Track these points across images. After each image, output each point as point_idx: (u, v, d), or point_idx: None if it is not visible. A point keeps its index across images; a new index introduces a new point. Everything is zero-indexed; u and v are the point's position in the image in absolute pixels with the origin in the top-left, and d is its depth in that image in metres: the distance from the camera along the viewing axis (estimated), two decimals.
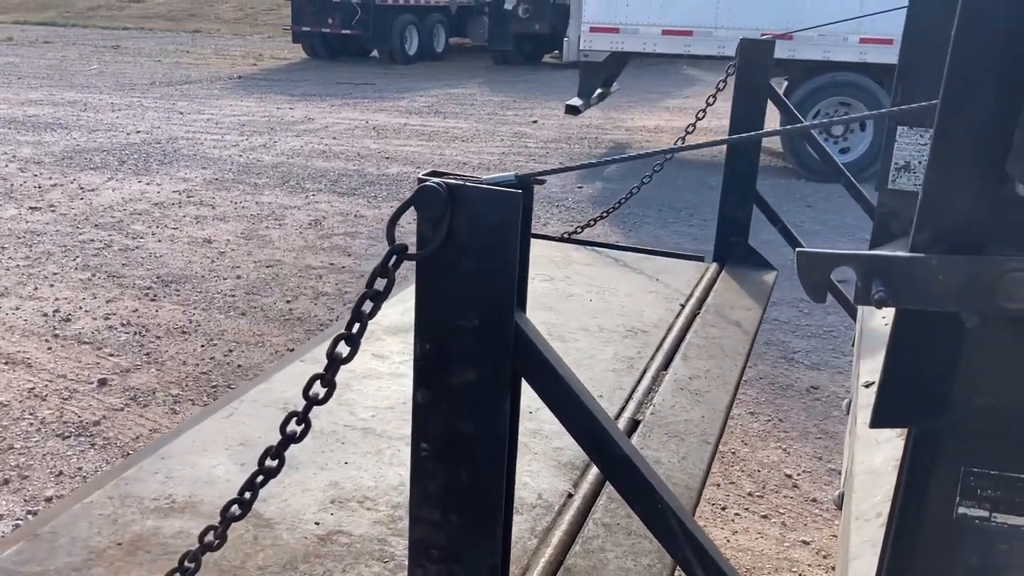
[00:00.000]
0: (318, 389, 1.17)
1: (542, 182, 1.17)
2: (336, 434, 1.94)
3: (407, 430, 1.98)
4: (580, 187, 8.80)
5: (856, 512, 1.69)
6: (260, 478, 1.24)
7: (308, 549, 1.56)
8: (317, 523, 1.63)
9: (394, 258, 1.09)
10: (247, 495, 1.25)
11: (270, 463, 1.23)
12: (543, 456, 1.89)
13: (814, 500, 3.58)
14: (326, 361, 1.15)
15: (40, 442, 3.77)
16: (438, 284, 1.10)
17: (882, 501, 1.65)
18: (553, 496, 1.75)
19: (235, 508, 1.26)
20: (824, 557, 3.23)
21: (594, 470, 1.82)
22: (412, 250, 1.10)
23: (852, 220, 7.42)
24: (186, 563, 1.28)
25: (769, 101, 3.21)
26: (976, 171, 0.88)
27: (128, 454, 3.64)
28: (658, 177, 3.64)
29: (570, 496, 1.76)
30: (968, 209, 0.89)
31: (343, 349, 1.14)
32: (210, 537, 1.28)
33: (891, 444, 1.83)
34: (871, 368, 2.21)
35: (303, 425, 1.20)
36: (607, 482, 1.74)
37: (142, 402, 4.16)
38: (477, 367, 1.12)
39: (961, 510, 0.98)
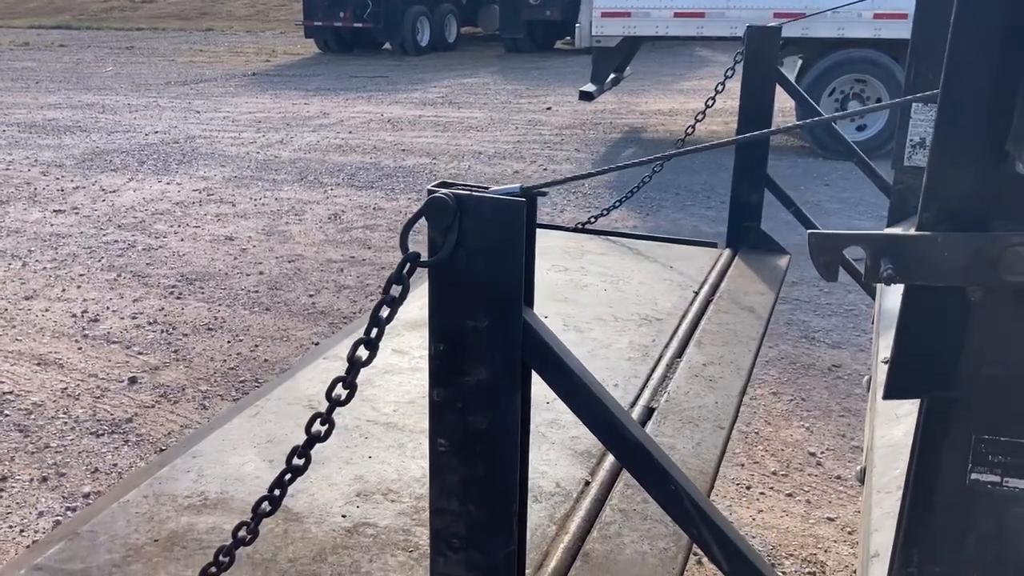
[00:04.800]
0: (340, 391, 1.24)
1: (544, 194, 1.23)
2: (360, 429, 1.99)
3: (428, 423, 2.05)
4: None
5: (877, 485, 1.72)
6: (288, 476, 1.30)
7: (336, 541, 1.61)
8: (344, 516, 1.69)
9: (408, 265, 1.16)
10: (276, 492, 1.31)
11: (297, 461, 1.29)
12: (560, 445, 1.93)
13: (838, 477, 3.61)
14: (347, 364, 1.22)
15: (75, 440, 3.86)
16: (449, 288, 1.16)
17: (902, 474, 1.67)
18: (571, 484, 1.79)
19: (266, 505, 1.32)
20: (849, 533, 3.26)
21: (610, 458, 1.85)
22: (425, 257, 1.16)
23: (871, 198, 7.40)
24: (220, 557, 1.34)
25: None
26: (978, 150, 0.91)
27: (162, 450, 3.73)
28: (674, 161, 3.67)
29: (587, 484, 1.80)
30: (971, 188, 0.93)
31: (363, 353, 1.20)
32: (243, 533, 1.34)
33: (911, 418, 1.85)
34: (890, 344, 2.24)
35: (327, 425, 1.26)
36: (623, 470, 1.78)
37: (172, 399, 4.24)
38: (488, 366, 1.17)
39: (974, 476, 1.01)
